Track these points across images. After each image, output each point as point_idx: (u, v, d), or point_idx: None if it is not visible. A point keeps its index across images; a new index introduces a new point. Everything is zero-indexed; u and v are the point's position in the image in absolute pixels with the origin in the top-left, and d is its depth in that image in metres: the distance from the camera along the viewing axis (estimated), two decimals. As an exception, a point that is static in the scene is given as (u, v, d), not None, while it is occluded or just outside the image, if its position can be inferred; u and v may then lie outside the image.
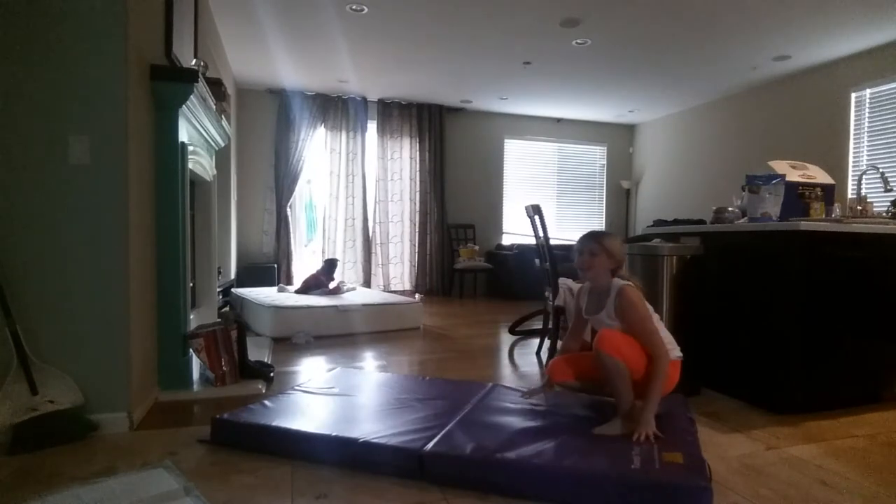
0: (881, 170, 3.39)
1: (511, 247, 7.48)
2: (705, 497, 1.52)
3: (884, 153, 5.07)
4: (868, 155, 5.21)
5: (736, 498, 1.64)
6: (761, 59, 5.44)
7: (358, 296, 4.96)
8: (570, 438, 1.87)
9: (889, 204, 3.20)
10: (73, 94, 2.06)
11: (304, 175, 6.96)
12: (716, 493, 1.60)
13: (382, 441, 1.83)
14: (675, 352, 2.07)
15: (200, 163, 3.09)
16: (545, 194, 8.13)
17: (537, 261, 3.67)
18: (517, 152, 8.07)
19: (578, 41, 5.05)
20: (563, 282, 3.41)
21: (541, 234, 3.37)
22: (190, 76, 2.53)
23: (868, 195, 3.70)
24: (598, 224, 8.43)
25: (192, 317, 2.91)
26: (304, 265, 6.99)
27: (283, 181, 6.83)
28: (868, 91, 5.21)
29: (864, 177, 4.28)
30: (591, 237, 2.12)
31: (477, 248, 7.27)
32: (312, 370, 3.17)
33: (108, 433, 2.08)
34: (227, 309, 3.88)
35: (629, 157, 8.62)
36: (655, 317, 2.10)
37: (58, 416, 1.99)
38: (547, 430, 1.97)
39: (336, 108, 7.03)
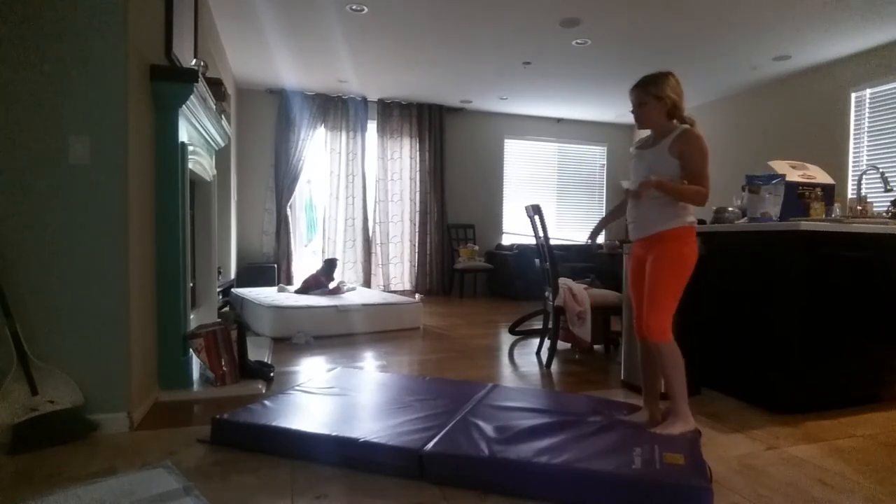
0: (881, 170, 3.39)
1: (511, 247, 7.48)
2: (705, 497, 1.52)
3: (884, 153, 5.07)
4: (868, 155, 5.21)
5: (736, 498, 1.64)
6: (761, 59, 5.43)
7: (358, 296, 4.95)
8: (570, 438, 1.87)
9: (889, 204, 3.20)
10: (72, 94, 2.06)
11: (304, 175, 6.96)
12: (716, 493, 1.60)
13: (382, 441, 1.83)
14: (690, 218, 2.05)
15: (200, 163, 3.09)
16: (545, 194, 8.12)
17: (537, 261, 3.67)
18: (517, 152, 8.07)
19: (578, 41, 5.04)
20: (563, 282, 3.41)
21: (541, 234, 3.37)
22: (190, 76, 2.53)
23: (868, 195, 3.70)
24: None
25: (192, 317, 2.91)
26: (304, 265, 6.99)
27: (283, 181, 6.83)
28: (868, 91, 5.21)
29: (864, 177, 4.27)
30: (637, 86, 2.04)
31: (477, 248, 7.27)
32: (312, 370, 3.17)
33: (108, 433, 2.08)
34: (227, 309, 3.87)
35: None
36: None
37: (58, 416, 1.99)
38: (547, 429, 1.97)
39: (336, 108, 7.03)
